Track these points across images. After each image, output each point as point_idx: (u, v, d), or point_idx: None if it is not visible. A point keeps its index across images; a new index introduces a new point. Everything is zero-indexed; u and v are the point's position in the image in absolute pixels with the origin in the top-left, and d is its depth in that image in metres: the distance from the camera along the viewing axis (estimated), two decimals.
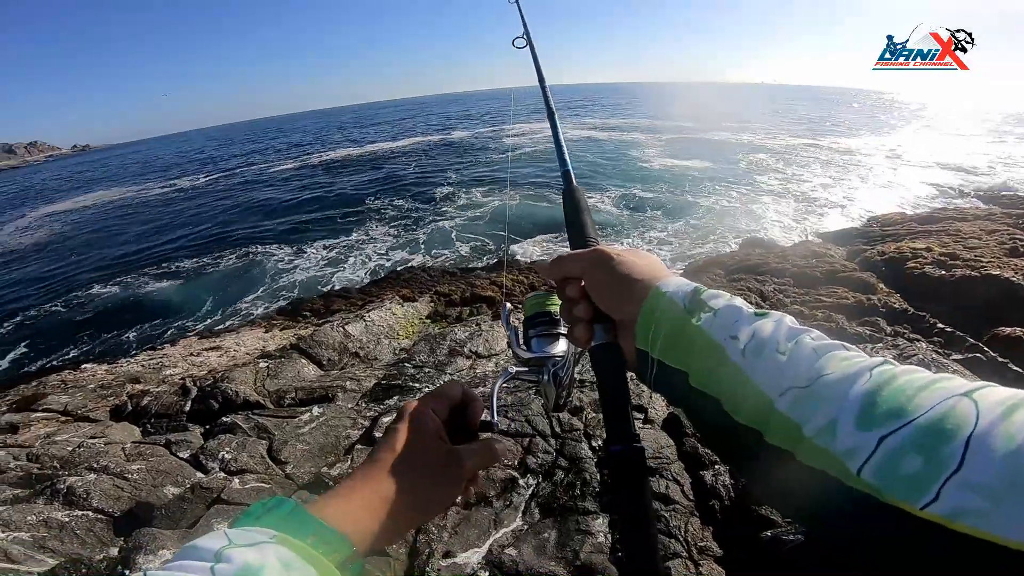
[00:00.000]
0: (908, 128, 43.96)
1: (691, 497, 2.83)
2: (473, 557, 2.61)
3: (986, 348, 4.59)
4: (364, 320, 6.64)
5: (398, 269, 13.09)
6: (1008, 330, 4.99)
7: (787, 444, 0.40)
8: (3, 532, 2.61)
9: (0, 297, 15.61)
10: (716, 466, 2.97)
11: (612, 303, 0.56)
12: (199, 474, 3.42)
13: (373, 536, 0.45)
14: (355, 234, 18.20)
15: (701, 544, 2.61)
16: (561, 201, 0.76)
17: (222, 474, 3.41)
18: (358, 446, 3.79)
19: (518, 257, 13.53)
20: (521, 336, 0.68)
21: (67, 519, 2.80)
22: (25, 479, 3.37)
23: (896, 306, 6.53)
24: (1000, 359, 4.22)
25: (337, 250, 16.77)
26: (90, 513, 2.87)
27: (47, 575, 2.39)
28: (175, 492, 3.14)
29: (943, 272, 7.45)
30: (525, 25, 1.16)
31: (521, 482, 3.42)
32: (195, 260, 17.06)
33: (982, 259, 8.09)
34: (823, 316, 6.09)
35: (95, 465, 3.27)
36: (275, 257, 16.52)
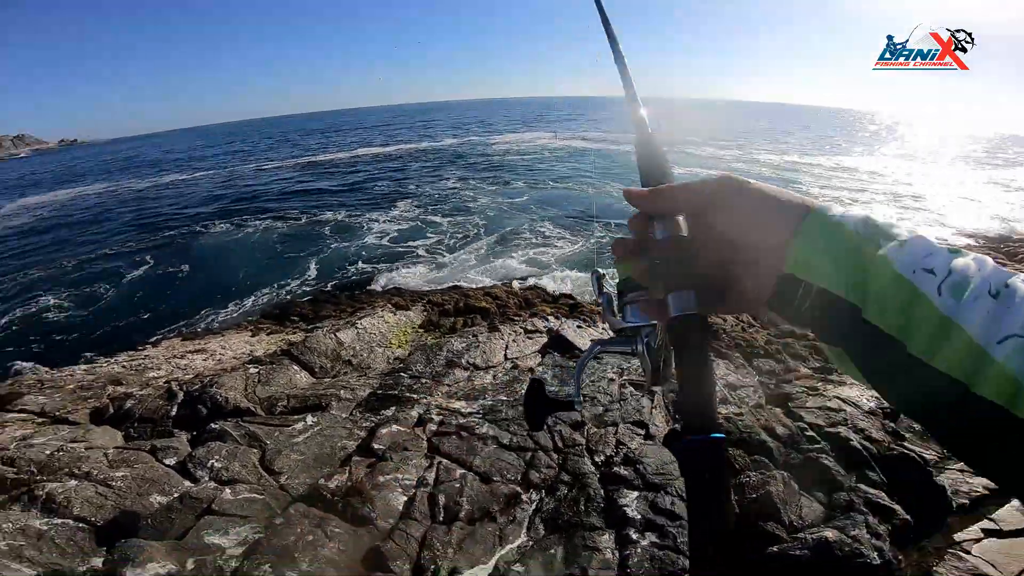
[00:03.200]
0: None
1: None
2: (480, 574, 2.53)
3: None
4: (356, 327, 6.50)
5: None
6: None
7: (1002, 399, 0.35)
8: None
9: None
10: None
11: (753, 230, 0.47)
12: (187, 483, 3.26)
13: None
14: None
15: None
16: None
17: (212, 483, 3.25)
18: (355, 457, 3.66)
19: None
20: (616, 304, 0.61)
21: (46, 527, 2.61)
22: None
23: None
24: None
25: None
26: (71, 521, 2.68)
27: None
28: (162, 501, 2.97)
29: None
30: None
31: (524, 497, 3.32)
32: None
33: None
34: None
35: (76, 471, 3.08)
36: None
